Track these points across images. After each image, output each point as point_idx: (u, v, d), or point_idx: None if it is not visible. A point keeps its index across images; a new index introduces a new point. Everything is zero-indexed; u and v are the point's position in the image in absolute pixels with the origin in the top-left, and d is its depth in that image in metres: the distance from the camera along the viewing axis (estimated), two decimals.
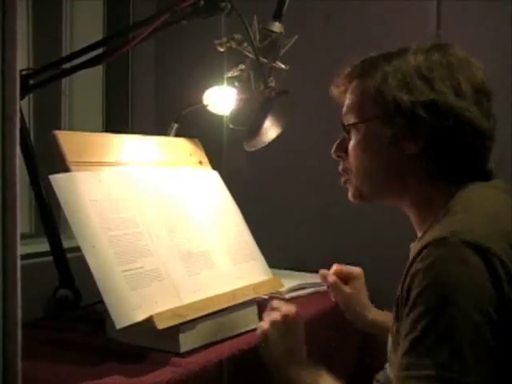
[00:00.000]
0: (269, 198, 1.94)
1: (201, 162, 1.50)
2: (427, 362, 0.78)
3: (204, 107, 1.52)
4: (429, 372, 0.78)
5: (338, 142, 1.08)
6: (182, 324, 1.10)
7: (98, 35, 1.91)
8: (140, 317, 1.05)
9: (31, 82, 1.34)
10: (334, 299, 1.33)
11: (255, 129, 1.41)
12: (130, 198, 1.21)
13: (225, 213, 1.42)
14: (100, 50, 1.39)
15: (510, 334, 0.78)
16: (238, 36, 1.38)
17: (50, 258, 1.34)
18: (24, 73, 1.32)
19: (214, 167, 1.52)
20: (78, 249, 1.08)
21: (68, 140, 1.21)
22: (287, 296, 1.54)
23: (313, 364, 1.07)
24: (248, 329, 1.24)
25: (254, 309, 1.29)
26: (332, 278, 1.31)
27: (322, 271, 1.34)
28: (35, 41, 1.77)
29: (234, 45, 1.38)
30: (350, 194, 1.08)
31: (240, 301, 1.23)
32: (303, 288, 1.61)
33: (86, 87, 1.92)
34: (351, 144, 1.04)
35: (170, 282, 1.15)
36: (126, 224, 1.16)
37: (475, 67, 0.98)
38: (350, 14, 1.81)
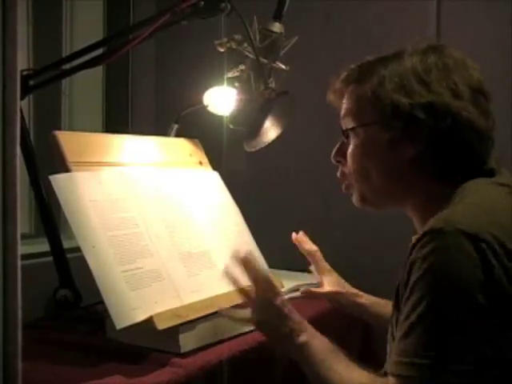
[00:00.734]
0: (269, 198, 1.94)
1: (201, 163, 1.50)
2: (419, 349, 0.80)
3: (204, 108, 1.52)
4: (419, 360, 0.80)
5: (337, 146, 1.08)
6: (182, 324, 1.10)
7: (98, 36, 1.91)
8: (140, 317, 1.05)
9: (31, 82, 1.34)
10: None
11: (255, 129, 1.41)
12: (130, 198, 1.21)
13: (225, 213, 1.42)
14: (100, 51, 1.39)
15: (505, 324, 0.79)
16: (238, 36, 1.38)
17: (50, 259, 1.34)
18: (24, 73, 1.33)
19: (214, 168, 1.52)
20: (78, 249, 1.08)
21: (68, 140, 1.21)
22: (286, 296, 1.54)
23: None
24: (248, 329, 1.24)
25: None
26: (314, 291, 1.36)
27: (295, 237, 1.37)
28: (35, 41, 1.77)
29: (234, 45, 1.38)
30: (354, 199, 1.08)
31: (240, 301, 1.23)
32: (303, 288, 1.60)
33: (86, 88, 1.92)
34: (350, 149, 1.04)
35: (170, 283, 1.15)
36: (126, 224, 1.16)
37: (471, 68, 0.98)
38: (350, 14, 1.81)
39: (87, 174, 1.17)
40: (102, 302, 1.05)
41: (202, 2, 1.29)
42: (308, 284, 1.61)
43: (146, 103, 2.07)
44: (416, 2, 1.73)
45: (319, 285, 1.38)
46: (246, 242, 1.41)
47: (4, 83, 0.60)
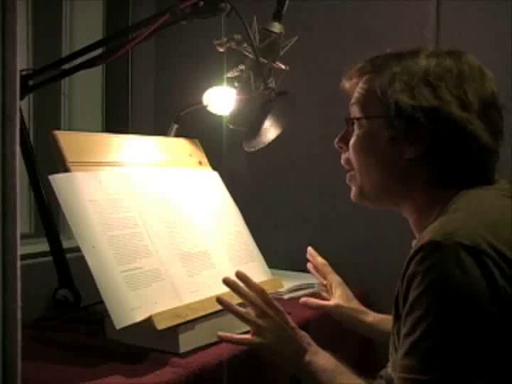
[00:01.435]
0: (268, 198, 1.94)
1: (200, 163, 1.50)
2: (423, 366, 0.79)
3: (204, 108, 1.52)
4: (424, 377, 0.79)
5: (342, 132, 1.08)
6: (181, 324, 1.10)
7: (97, 35, 1.91)
8: (139, 317, 1.05)
9: (31, 82, 1.34)
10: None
11: (255, 129, 1.41)
12: (129, 198, 1.21)
13: (224, 213, 1.42)
14: (100, 51, 1.39)
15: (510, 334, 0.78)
16: (237, 36, 1.38)
17: (50, 259, 1.34)
18: (24, 73, 1.32)
19: (214, 168, 1.52)
20: (77, 249, 1.08)
21: (68, 140, 1.21)
22: (286, 296, 1.54)
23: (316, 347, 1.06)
24: (248, 329, 1.23)
25: None
26: (312, 301, 1.30)
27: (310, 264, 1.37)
28: (35, 41, 1.77)
29: (233, 45, 1.38)
30: (352, 194, 1.07)
31: (240, 301, 1.23)
32: (302, 288, 1.61)
33: (85, 87, 1.92)
34: (352, 138, 1.04)
35: (169, 283, 1.15)
36: (125, 224, 1.16)
37: (487, 78, 0.97)
38: (350, 13, 1.81)
39: (87, 174, 1.17)
40: (101, 302, 1.05)
41: (202, 2, 1.29)
42: (307, 284, 1.61)
43: (145, 103, 2.07)
44: (416, 2, 1.73)
45: (323, 293, 1.35)
46: (245, 242, 1.41)
47: (4, 83, 0.60)
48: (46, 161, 1.29)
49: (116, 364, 1.06)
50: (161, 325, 1.06)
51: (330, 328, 1.40)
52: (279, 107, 1.41)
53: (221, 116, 1.52)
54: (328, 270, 1.35)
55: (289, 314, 1.13)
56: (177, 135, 1.54)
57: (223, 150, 1.93)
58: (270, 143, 1.44)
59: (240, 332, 1.21)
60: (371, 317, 1.28)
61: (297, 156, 1.88)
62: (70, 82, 1.87)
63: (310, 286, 1.61)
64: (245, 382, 1.14)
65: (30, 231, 1.72)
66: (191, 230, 1.29)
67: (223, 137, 1.92)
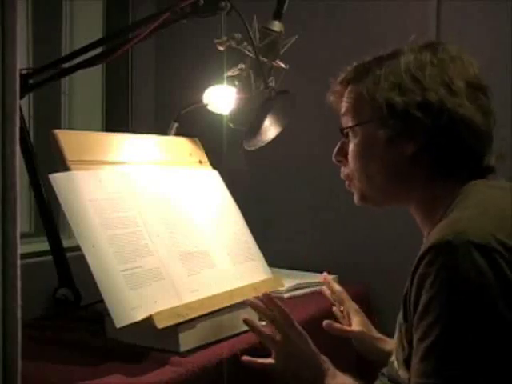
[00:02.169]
0: (269, 197, 1.94)
1: (201, 162, 1.50)
2: (439, 370, 0.79)
3: (204, 106, 1.52)
4: (440, 381, 0.78)
5: (337, 146, 1.09)
6: (181, 323, 1.10)
7: (97, 34, 1.91)
8: (140, 316, 1.05)
9: (31, 81, 1.34)
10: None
11: (255, 128, 1.41)
12: (129, 197, 1.21)
13: (225, 212, 1.42)
14: (100, 50, 1.39)
15: None
16: (237, 35, 1.38)
17: (50, 258, 1.34)
18: (24, 72, 1.32)
19: (214, 166, 1.52)
20: (77, 248, 1.08)
21: (68, 139, 1.21)
22: (286, 295, 1.54)
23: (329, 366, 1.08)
24: (248, 328, 1.24)
25: None
26: (336, 326, 1.26)
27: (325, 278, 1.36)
28: (35, 40, 1.77)
29: (233, 44, 1.38)
30: (355, 199, 1.08)
31: (240, 300, 1.23)
32: (303, 287, 1.61)
33: (85, 86, 1.92)
34: (350, 148, 1.05)
35: (169, 282, 1.15)
36: (125, 223, 1.16)
37: (467, 62, 0.98)
38: (350, 13, 1.81)
39: (87, 173, 1.17)
40: (101, 301, 1.05)
41: (202, 1, 1.29)
42: (308, 282, 1.61)
43: (145, 102, 2.07)
44: (416, 2, 1.73)
45: (340, 319, 1.33)
46: (245, 241, 1.41)
47: (3, 82, 0.60)
48: (46, 160, 1.29)
49: (116, 363, 1.06)
50: (161, 324, 1.06)
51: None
52: (279, 106, 1.41)
53: (221, 115, 1.52)
54: (345, 296, 1.33)
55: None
56: (177, 134, 1.54)
57: (223, 148, 1.92)
58: (270, 142, 1.44)
59: (240, 331, 1.21)
60: (390, 344, 1.23)
61: (297, 155, 1.87)
62: (70, 81, 1.87)
63: (310, 284, 1.61)
64: (245, 380, 1.14)
65: (30, 230, 1.72)
66: (191, 229, 1.29)
67: (223, 136, 1.91)
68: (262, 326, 1.16)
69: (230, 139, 1.85)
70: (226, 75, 1.45)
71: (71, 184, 1.13)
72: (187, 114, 1.54)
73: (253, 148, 1.44)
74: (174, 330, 1.09)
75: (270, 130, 1.42)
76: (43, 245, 1.40)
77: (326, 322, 1.24)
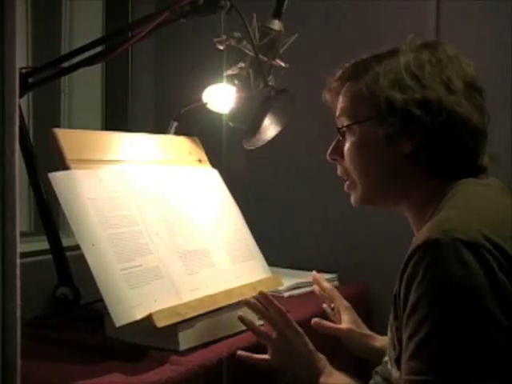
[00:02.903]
0: (268, 196, 1.94)
1: (200, 160, 1.50)
2: (430, 366, 0.79)
3: (203, 105, 1.51)
4: (431, 377, 0.79)
5: (332, 145, 1.09)
6: (181, 322, 1.10)
7: (97, 33, 1.91)
8: (139, 315, 1.05)
9: (30, 80, 1.34)
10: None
11: (254, 127, 1.41)
12: (129, 196, 1.21)
13: (224, 211, 1.42)
14: (99, 49, 1.39)
15: None
16: (237, 34, 1.37)
17: (50, 257, 1.34)
18: (23, 71, 1.32)
19: (214, 165, 1.52)
20: (77, 247, 1.08)
21: (67, 138, 1.21)
22: (286, 295, 1.54)
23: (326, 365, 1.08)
24: (245, 328, 1.24)
25: None
26: (325, 324, 1.25)
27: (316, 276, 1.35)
28: (34, 39, 1.77)
29: (233, 43, 1.38)
30: (352, 199, 1.07)
31: (239, 299, 1.23)
32: (302, 287, 1.61)
33: (85, 85, 1.92)
34: (346, 146, 1.04)
35: (169, 281, 1.15)
36: (125, 222, 1.16)
37: (464, 63, 0.99)
38: (350, 13, 1.81)
39: (86, 172, 1.17)
40: (101, 300, 1.05)
41: (201, 0, 1.29)
42: (307, 282, 1.61)
43: (145, 101, 2.07)
44: (416, 1, 1.73)
45: (331, 317, 1.32)
46: (245, 240, 1.41)
47: (3, 81, 0.60)
48: (46, 159, 1.29)
49: (116, 362, 1.06)
50: (160, 323, 1.06)
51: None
52: (279, 105, 1.41)
53: (220, 114, 1.52)
54: (336, 294, 1.33)
55: (288, 312, 1.13)
56: (176, 133, 1.54)
57: (223, 147, 1.93)
58: (269, 141, 1.44)
59: (239, 330, 1.21)
60: (379, 341, 1.24)
61: (296, 154, 1.87)
62: (70, 79, 1.87)
63: (309, 284, 1.61)
64: (244, 379, 1.14)
65: (29, 229, 1.72)
66: (191, 229, 1.29)
67: (223, 135, 1.92)
68: (260, 325, 1.16)
69: (229, 138, 1.85)
70: (225, 74, 1.44)
71: (71, 183, 1.13)
72: (187, 113, 1.54)
73: (252, 147, 1.44)
74: (174, 328, 1.09)
75: (270, 129, 1.42)
76: (43, 244, 1.40)
77: (314, 319, 1.23)
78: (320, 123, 1.77)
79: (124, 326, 1.03)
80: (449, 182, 0.95)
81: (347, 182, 1.08)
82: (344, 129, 1.05)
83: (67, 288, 1.30)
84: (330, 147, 1.09)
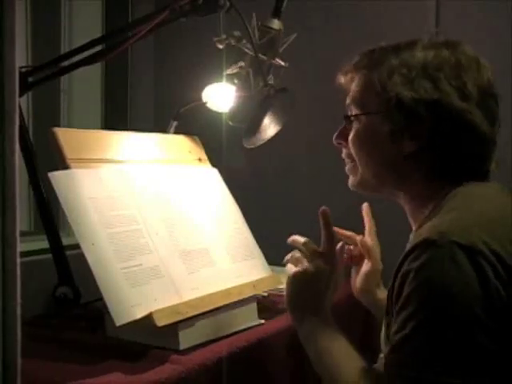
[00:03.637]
0: (268, 195, 1.94)
1: (200, 159, 1.50)
2: (412, 362, 0.79)
3: (203, 104, 1.51)
4: (412, 373, 0.79)
5: (339, 129, 1.08)
6: (181, 321, 1.10)
7: (96, 33, 1.91)
8: (139, 314, 1.05)
9: (30, 79, 1.34)
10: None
11: (254, 126, 1.41)
12: (129, 195, 1.21)
13: (224, 210, 1.42)
14: (99, 48, 1.39)
15: (506, 335, 0.78)
16: (237, 33, 1.37)
17: (50, 256, 1.34)
18: (23, 70, 1.32)
19: (214, 164, 1.52)
20: (77, 246, 1.08)
21: (67, 137, 1.21)
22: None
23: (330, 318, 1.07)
24: (247, 326, 1.24)
25: (254, 306, 1.29)
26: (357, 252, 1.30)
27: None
28: (34, 38, 1.77)
29: (233, 42, 1.38)
30: (349, 182, 1.08)
31: (239, 298, 1.23)
32: None
33: (85, 85, 1.92)
34: (351, 134, 1.04)
35: (169, 280, 1.15)
36: (125, 221, 1.16)
37: (483, 67, 0.97)
38: (350, 12, 1.81)
39: (86, 171, 1.17)
40: (101, 299, 1.06)
41: None
42: None
43: (145, 100, 2.07)
44: (416, 1, 1.72)
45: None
46: (245, 239, 1.41)
47: (2, 80, 0.60)
48: (46, 158, 1.29)
49: (116, 361, 1.06)
50: (161, 321, 1.06)
51: (332, 312, 1.40)
52: (278, 104, 1.41)
53: (220, 113, 1.52)
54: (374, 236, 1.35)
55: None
56: (176, 132, 1.54)
57: (223, 146, 1.93)
58: (269, 140, 1.44)
59: (239, 329, 1.22)
60: (381, 293, 1.25)
61: (296, 153, 1.88)
62: (70, 79, 1.87)
63: None
64: (244, 378, 1.14)
65: (29, 228, 1.72)
66: (191, 227, 1.29)
67: (223, 134, 1.91)
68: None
69: (229, 137, 1.85)
70: (225, 73, 1.45)
71: (71, 182, 1.13)
72: (186, 112, 1.54)
73: (252, 146, 1.44)
74: (174, 327, 1.09)
75: (270, 128, 1.42)
76: (43, 243, 1.40)
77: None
78: (320, 122, 1.78)
79: (124, 325, 1.03)
80: (451, 185, 0.95)
81: (349, 165, 1.08)
82: (352, 117, 1.04)
83: (67, 287, 1.30)
84: (336, 132, 1.09)
